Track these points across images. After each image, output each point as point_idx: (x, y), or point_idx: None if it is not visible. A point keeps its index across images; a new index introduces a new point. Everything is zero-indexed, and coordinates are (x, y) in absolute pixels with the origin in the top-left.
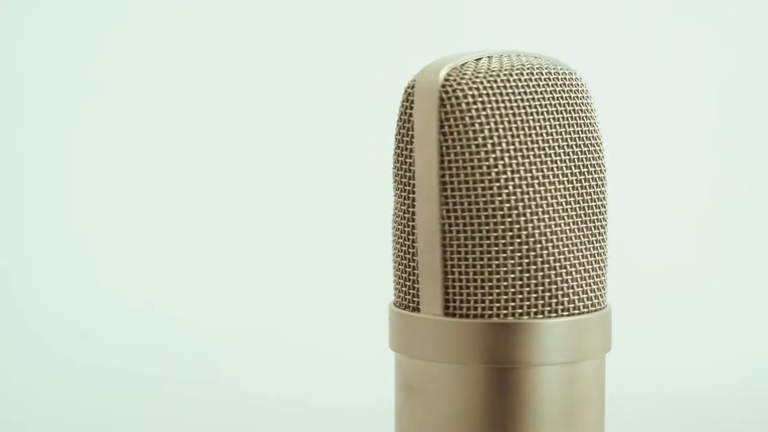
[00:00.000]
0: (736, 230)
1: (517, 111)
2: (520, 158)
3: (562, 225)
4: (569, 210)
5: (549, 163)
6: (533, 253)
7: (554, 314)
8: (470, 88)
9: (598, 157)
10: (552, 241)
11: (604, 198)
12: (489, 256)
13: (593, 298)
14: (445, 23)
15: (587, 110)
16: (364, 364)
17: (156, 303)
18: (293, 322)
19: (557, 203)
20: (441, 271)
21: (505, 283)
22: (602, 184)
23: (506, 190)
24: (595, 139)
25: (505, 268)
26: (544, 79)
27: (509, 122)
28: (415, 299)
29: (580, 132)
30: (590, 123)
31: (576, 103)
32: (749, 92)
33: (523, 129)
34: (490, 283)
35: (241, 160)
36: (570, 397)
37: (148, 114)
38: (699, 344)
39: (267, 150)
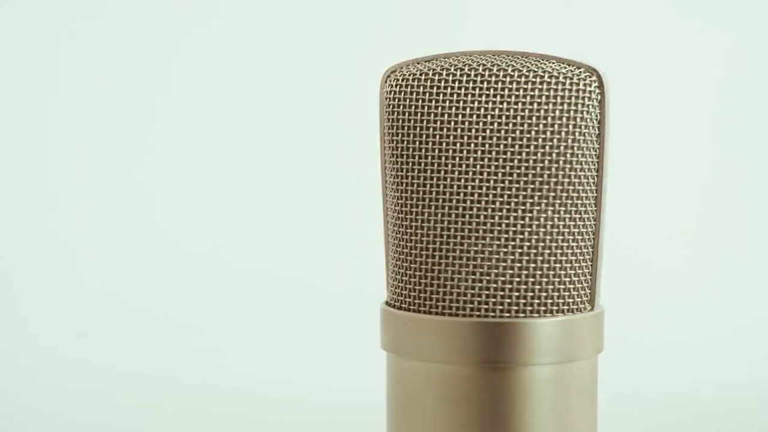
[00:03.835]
0: (736, 230)
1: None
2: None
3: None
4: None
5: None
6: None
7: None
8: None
9: (576, 159)
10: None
11: (592, 197)
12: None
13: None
14: (444, 20)
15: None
16: (362, 364)
17: (155, 304)
18: (293, 323)
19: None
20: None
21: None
22: (588, 184)
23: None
24: (567, 141)
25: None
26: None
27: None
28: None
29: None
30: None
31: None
32: (750, 92)
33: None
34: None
35: (238, 161)
36: (561, 397)
37: (148, 114)
38: (698, 345)
39: (263, 151)
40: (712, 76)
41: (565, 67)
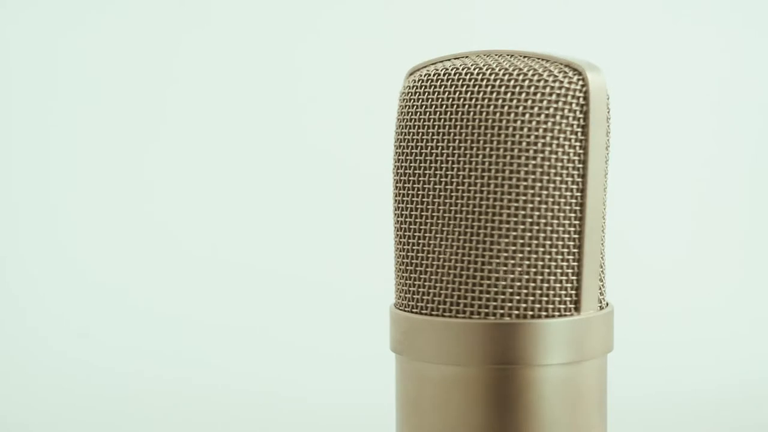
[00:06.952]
0: (738, 230)
1: (442, 115)
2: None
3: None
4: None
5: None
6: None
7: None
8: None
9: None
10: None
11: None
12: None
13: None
14: (449, 18)
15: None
16: (366, 366)
17: (156, 304)
18: (295, 324)
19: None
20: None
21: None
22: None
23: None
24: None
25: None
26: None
27: (441, 123)
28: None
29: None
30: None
31: (495, 105)
32: (749, 92)
33: (450, 132)
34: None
35: (241, 160)
36: (571, 397)
37: (147, 113)
38: (702, 344)
39: (267, 150)
40: (712, 75)
41: (552, 66)
